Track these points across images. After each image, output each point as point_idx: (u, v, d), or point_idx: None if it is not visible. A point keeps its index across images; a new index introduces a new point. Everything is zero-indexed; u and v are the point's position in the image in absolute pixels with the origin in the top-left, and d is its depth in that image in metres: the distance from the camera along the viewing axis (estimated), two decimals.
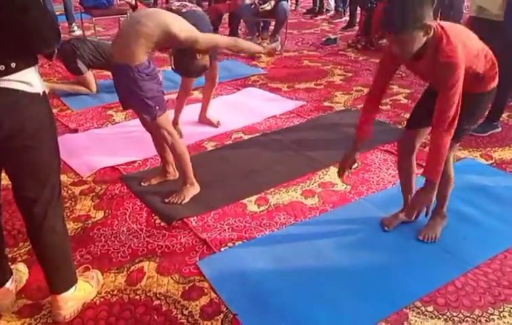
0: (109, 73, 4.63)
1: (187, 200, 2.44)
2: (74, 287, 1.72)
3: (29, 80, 1.43)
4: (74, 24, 6.26)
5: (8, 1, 1.33)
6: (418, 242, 2.14)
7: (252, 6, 5.26)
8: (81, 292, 1.76)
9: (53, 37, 1.46)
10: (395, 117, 3.55)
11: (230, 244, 2.12)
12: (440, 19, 4.41)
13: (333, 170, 2.77)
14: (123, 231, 2.22)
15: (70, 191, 2.58)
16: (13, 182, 1.57)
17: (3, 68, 1.37)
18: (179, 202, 2.42)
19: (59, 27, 1.58)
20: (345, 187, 2.60)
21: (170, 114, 3.29)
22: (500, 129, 3.28)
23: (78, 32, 6.13)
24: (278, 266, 1.99)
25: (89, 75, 4.03)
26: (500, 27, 2.99)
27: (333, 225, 2.28)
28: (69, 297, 1.70)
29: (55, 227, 1.62)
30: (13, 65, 1.39)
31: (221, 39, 2.69)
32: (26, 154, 1.49)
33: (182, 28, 2.25)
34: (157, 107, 2.29)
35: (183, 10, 2.75)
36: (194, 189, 2.50)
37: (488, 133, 3.19)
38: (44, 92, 1.50)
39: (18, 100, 1.41)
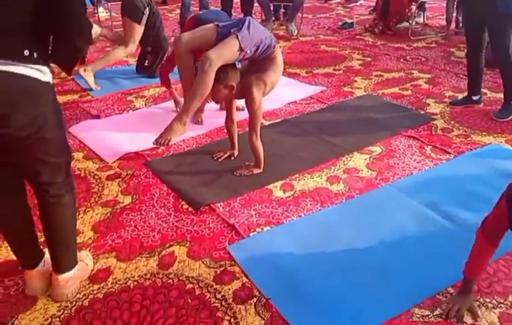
0: (127, 59, 4.65)
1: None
2: (76, 267, 1.76)
3: (42, 68, 1.44)
4: (100, 7, 6.23)
5: None
6: (447, 229, 2.13)
7: None
8: (79, 271, 1.79)
9: (88, 33, 1.48)
10: (417, 103, 3.52)
11: (258, 230, 2.13)
12: None
13: (357, 156, 2.76)
14: (152, 216, 2.24)
15: (96, 177, 2.60)
16: (27, 169, 1.57)
17: (27, 53, 1.37)
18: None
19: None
20: (371, 173, 2.58)
21: None
22: None
23: (105, 14, 6.11)
24: (307, 252, 1.99)
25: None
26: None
27: (360, 211, 2.27)
28: (70, 277, 1.74)
29: (69, 202, 1.66)
30: (35, 54, 1.39)
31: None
32: (41, 141, 1.49)
33: None
34: None
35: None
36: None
37: (510, 117, 3.15)
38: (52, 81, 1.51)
39: (32, 87, 1.42)
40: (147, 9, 3.87)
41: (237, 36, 2.48)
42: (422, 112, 3.35)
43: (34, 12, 1.35)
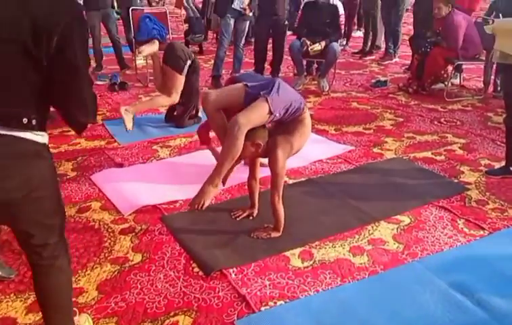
0: (159, 108, 4.70)
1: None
2: None
3: (39, 133, 1.41)
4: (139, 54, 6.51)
5: (60, 59, 1.32)
6: (478, 318, 1.92)
7: (304, 48, 5.21)
8: None
9: (91, 109, 1.46)
10: (451, 169, 3.33)
11: (271, 303, 1.98)
12: None
13: (383, 226, 2.60)
14: (160, 278, 2.14)
15: (110, 230, 2.54)
16: (20, 232, 1.51)
17: (26, 121, 1.35)
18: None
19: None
20: (397, 247, 2.41)
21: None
22: None
23: (142, 61, 6.31)
24: None
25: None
26: None
27: (384, 289, 2.09)
28: None
29: (63, 266, 1.57)
30: (34, 122, 1.37)
31: None
32: (35, 204, 1.43)
33: None
34: None
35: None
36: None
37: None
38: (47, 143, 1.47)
39: (28, 149, 1.38)
40: (188, 61, 3.93)
41: (266, 99, 2.42)
42: (456, 181, 3.16)
43: (35, 86, 1.34)
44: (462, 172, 3.28)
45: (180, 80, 3.94)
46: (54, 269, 1.54)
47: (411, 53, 6.20)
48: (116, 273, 2.17)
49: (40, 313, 1.86)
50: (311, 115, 2.65)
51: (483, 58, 5.21)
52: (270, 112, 2.41)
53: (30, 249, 1.53)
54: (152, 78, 5.64)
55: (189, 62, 3.95)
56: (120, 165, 3.39)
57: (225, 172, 2.51)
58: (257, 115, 2.42)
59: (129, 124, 3.89)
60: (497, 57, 3.04)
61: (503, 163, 3.25)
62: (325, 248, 2.39)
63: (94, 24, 5.44)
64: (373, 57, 7.31)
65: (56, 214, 1.53)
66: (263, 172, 2.86)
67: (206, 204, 2.44)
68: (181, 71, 3.91)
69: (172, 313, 1.91)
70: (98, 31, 5.46)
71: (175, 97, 3.98)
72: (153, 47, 3.96)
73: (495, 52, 3.07)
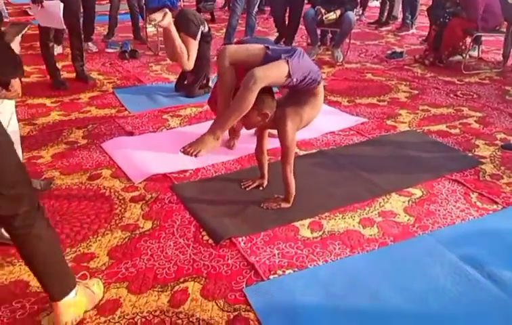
0: (168, 76, 4.67)
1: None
2: (74, 292, 1.66)
3: None
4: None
5: None
6: (489, 291, 1.90)
7: (319, 16, 5.09)
8: (83, 298, 1.71)
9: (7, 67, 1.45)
10: (465, 143, 3.26)
11: (280, 272, 1.98)
12: None
13: (395, 198, 2.57)
14: (170, 245, 2.15)
15: (120, 197, 2.55)
16: None
17: None
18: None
19: (19, 58, 1.55)
20: (408, 219, 2.38)
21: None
22: None
23: (153, 29, 6.23)
24: (331, 304, 1.83)
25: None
26: None
27: (393, 261, 2.08)
28: (69, 303, 1.65)
29: (41, 233, 1.54)
30: None
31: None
32: None
33: None
34: None
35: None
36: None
37: None
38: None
39: None
40: (201, 26, 3.85)
41: (287, 62, 2.35)
42: (470, 154, 3.10)
43: None
44: (477, 146, 3.21)
45: (195, 45, 3.84)
46: (31, 237, 1.52)
47: (429, 24, 6.05)
48: (126, 239, 2.19)
49: None
50: (324, 86, 2.57)
51: (504, 30, 5.06)
52: (289, 75, 2.31)
53: (2, 221, 1.52)
54: (162, 46, 5.61)
55: (202, 28, 3.87)
56: (131, 133, 3.38)
57: (230, 125, 2.42)
58: (275, 73, 2.31)
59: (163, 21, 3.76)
60: None
61: None
62: (335, 219, 2.37)
63: None
64: (389, 27, 7.15)
65: (19, 184, 1.49)
66: (273, 143, 2.83)
67: (202, 153, 2.33)
68: (194, 36, 3.82)
69: (182, 279, 1.93)
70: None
71: (191, 63, 3.88)
72: (167, 19, 3.84)
73: None
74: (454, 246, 2.17)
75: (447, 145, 3.24)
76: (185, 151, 2.36)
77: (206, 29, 3.98)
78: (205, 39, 3.99)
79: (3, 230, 2.07)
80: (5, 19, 7.22)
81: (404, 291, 1.91)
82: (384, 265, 2.05)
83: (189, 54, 3.83)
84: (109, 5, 6.16)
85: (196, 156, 2.34)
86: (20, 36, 2.05)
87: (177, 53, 3.80)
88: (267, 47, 2.43)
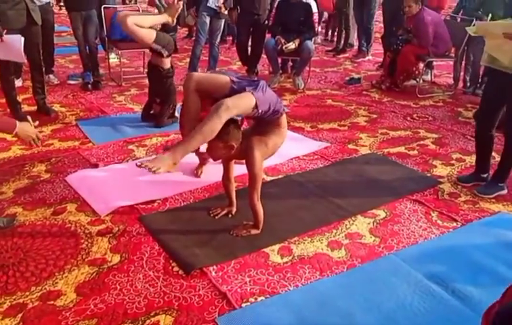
0: (132, 106, 4.65)
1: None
2: None
3: None
4: (112, 52, 6.26)
5: None
6: (453, 307, 1.99)
7: (279, 46, 5.23)
8: None
9: None
10: (424, 164, 3.41)
11: (252, 300, 1.99)
12: None
13: (360, 220, 2.65)
14: (139, 278, 2.12)
15: (86, 231, 2.50)
16: None
17: None
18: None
19: None
20: (374, 240, 2.46)
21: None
22: (505, 191, 2.97)
23: (116, 60, 6.15)
24: None
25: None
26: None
27: (362, 282, 2.14)
28: None
29: None
30: None
31: None
32: None
33: None
34: None
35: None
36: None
37: (494, 195, 2.94)
38: None
39: None
40: (164, 50, 3.87)
41: (253, 94, 2.41)
42: (429, 175, 3.24)
43: None
44: (435, 166, 3.37)
45: (148, 34, 3.78)
46: None
47: (383, 51, 6.33)
48: (94, 274, 2.14)
49: (17, 317, 1.84)
50: (286, 113, 2.65)
51: (453, 55, 5.37)
52: (255, 107, 2.39)
53: None
54: (125, 77, 5.59)
55: (165, 51, 3.87)
56: (96, 165, 3.33)
57: (192, 149, 2.41)
58: (244, 104, 2.37)
59: None
60: (485, 59, 2.99)
61: (473, 157, 3.33)
62: (303, 243, 2.42)
63: (77, 25, 5.24)
64: (346, 55, 7.41)
65: None
66: (240, 170, 2.87)
67: (159, 171, 2.26)
68: (156, 41, 3.81)
69: (152, 313, 1.90)
70: (80, 33, 5.25)
71: (129, 23, 3.70)
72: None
73: (484, 54, 3.05)
74: (419, 264, 2.25)
75: (406, 167, 3.38)
76: (141, 165, 2.28)
77: (168, 66, 3.99)
78: (167, 75, 4.00)
79: None
80: None
81: (374, 311, 1.96)
82: (353, 287, 2.11)
83: (140, 25, 3.74)
84: (67, 37, 6.05)
85: (153, 173, 2.27)
86: None
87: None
88: (232, 80, 2.50)
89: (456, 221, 2.65)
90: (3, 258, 2.24)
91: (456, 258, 2.32)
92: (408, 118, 4.46)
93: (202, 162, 3.21)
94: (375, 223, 2.62)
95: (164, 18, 3.97)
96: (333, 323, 1.90)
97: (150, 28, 3.84)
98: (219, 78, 2.59)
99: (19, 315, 1.87)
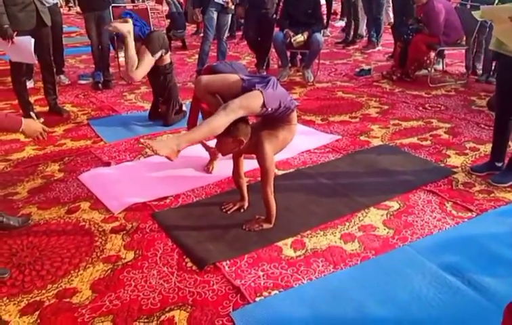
0: (143, 104, 4.67)
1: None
2: None
3: None
4: (121, 51, 6.27)
5: None
6: (469, 297, 1.96)
7: (287, 39, 5.20)
8: None
9: None
10: (437, 154, 3.37)
11: (266, 293, 1.99)
12: None
13: (373, 212, 2.62)
14: (153, 274, 2.13)
15: (100, 229, 2.52)
16: None
17: None
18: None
19: None
20: (388, 232, 2.44)
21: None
22: None
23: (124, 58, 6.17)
24: (318, 321, 1.85)
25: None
26: None
27: (376, 274, 2.12)
28: None
29: None
30: None
31: None
32: None
33: None
34: None
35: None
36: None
37: (509, 183, 2.88)
38: None
39: None
40: (163, 49, 3.86)
41: (262, 92, 2.41)
42: (442, 165, 3.20)
43: None
44: (449, 156, 3.33)
45: (148, 59, 3.76)
46: None
47: (393, 41, 6.27)
48: (109, 271, 2.16)
49: (34, 314, 1.86)
50: (297, 107, 2.63)
51: (464, 43, 5.29)
52: (264, 105, 2.38)
53: None
54: None
55: (162, 52, 3.86)
56: (108, 164, 3.35)
57: (196, 141, 2.42)
58: (252, 104, 2.37)
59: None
60: (493, 43, 2.94)
61: (488, 146, 3.29)
62: (316, 236, 2.41)
63: (90, 26, 5.29)
64: (356, 46, 7.35)
65: None
66: (251, 164, 2.87)
67: (159, 153, 2.25)
68: (152, 52, 3.77)
69: (167, 309, 1.91)
70: (94, 33, 5.30)
71: (138, 74, 3.75)
72: (126, 26, 3.79)
73: (492, 38, 3.00)
74: (434, 255, 2.23)
75: (419, 158, 3.34)
76: (143, 142, 2.31)
77: (167, 61, 3.98)
78: (164, 71, 3.98)
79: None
80: None
81: (388, 303, 1.95)
82: (367, 279, 2.09)
83: (139, 64, 3.73)
84: (77, 37, 6.11)
85: (155, 153, 2.26)
86: None
87: (126, 59, 3.75)
88: (242, 79, 2.49)
89: (471, 210, 2.61)
90: (19, 257, 2.28)
91: (472, 248, 2.29)
92: (420, 108, 4.40)
93: (213, 157, 3.21)
94: (389, 215, 2.60)
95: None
96: (347, 316, 1.88)
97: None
98: (228, 78, 2.60)
99: (36, 313, 1.90)
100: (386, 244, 2.34)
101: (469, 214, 2.59)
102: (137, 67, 3.72)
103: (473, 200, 2.72)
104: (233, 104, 2.31)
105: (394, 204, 2.70)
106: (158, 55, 3.83)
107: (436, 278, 2.08)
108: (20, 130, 2.24)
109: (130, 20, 3.85)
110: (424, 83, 5.15)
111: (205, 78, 2.66)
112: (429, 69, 5.31)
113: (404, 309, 1.92)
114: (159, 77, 3.98)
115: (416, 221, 2.53)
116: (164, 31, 7.73)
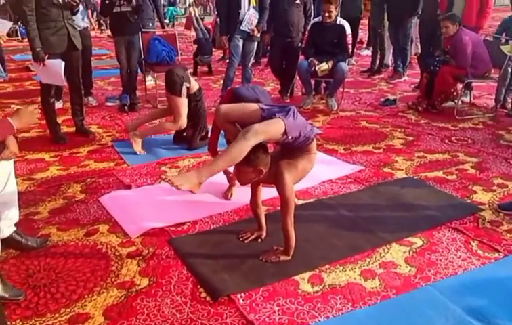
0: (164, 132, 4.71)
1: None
2: None
3: None
4: (149, 75, 6.43)
5: None
6: None
7: (312, 68, 5.20)
8: None
9: None
10: (463, 189, 3.26)
11: None
12: None
13: (395, 248, 2.54)
14: (167, 303, 2.10)
15: (117, 253, 2.51)
16: None
17: None
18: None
19: None
20: (410, 270, 2.35)
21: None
22: None
23: (152, 82, 6.32)
24: None
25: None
26: None
27: (397, 316, 2.03)
28: None
29: None
30: None
31: None
32: None
33: None
34: None
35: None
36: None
37: None
38: None
39: None
40: (185, 83, 3.94)
41: (283, 120, 2.37)
42: (468, 201, 3.09)
43: None
44: (475, 192, 3.21)
45: (180, 102, 3.94)
46: None
47: (420, 72, 6.19)
48: (122, 298, 2.14)
49: None
50: (320, 135, 2.59)
51: (493, 76, 5.17)
52: (284, 133, 2.35)
53: None
54: (161, 99, 5.69)
55: (186, 84, 3.96)
56: (129, 187, 3.38)
57: (218, 171, 2.37)
58: (273, 130, 2.34)
59: (138, 148, 4.02)
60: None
61: None
62: (335, 271, 2.34)
63: (120, 49, 5.44)
64: (382, 75, 7.29)
65: None
66: (270, 193, 2.83)
67: (181, 188, 2.24)
68: (178, 94, 3.92)
69: None
70: (123, 57, 5.45)
71: (182, 122, 3.98)
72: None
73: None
74: (458, 297, 2.13)
75: (445, 192, 3.24)
76: (166, 178, 2.29)
77: (196, 88, 4.08)
78: (195, 99, 4.08)
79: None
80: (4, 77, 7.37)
81: None
82: (387, 320, 2.01)
83: (177, 112, 3.96)
84: (107, 60, 6.27)
85: (177, 188, 2.25)
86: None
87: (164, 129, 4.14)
88: (262, 108, 2.47)
89: (498, 251, 2.50)
90: (35, 279, 2.28)
91: (498, 291, 2.18)
92: (446, 141, 4.30)
93: (232, 183, 3.19)
94: (411, 252, 2.51)
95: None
96: None
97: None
98: (247, 107, 2.58)
99: None
100: (408, 283, 2.25)
101: (496, 254, 2.48)
102: (175, 119, 3.99)
103: (501, 240, 2.60)
104: (253, 129, 2.27)
105: (417, 241, 2.61)
106: (184, 91, 3.95)
107: (460, 322, 1.98)
108: (15, 129, 2.06)
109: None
110: (451, 115, 5.04)
111: (224, 107, 2.65)
112: (456, 101, 5.21)
113: None
114: (190, 104, 4.06)
115: (440, 260, 2.43)
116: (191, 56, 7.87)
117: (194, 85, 4.08)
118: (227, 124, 2.62)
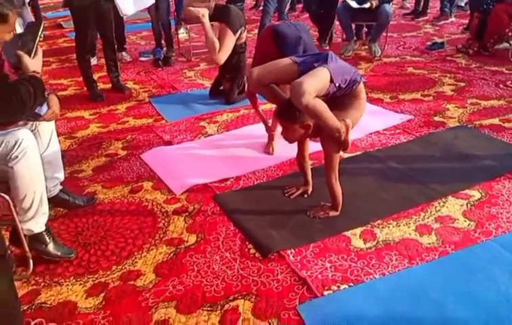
0: (202, 82, 4.62)
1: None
2: None
3: None
4: (181, 28, 6.32)
5: None
6: None
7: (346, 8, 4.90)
8: None
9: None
10: None
11: (334, 287, 1.86)
12: None
13: (451, 201, 2.40)
14: (216, 260, 2.06)
15: (163, 210, 2.49)
16: None
17: None
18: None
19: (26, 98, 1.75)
20: (469, 224, 2.21)
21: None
22: None
23: (185, 35, 6.19)
24: (394, 321, 1.70)
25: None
26: None
27: (457, 272, 1.92)
28: None
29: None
30: None
31: None
32: None
33: None
34: None
35: None
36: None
37: None
38: None
39: None
40: (241, 28, 3.68)
41: (326, 68, 2.18)
42: None
43: None
44: None
45: (231, 39, 3.58)
46: None
47: (469, 12, 5.76)
48: (172, 254, 2.12)
49: (99, 296, 1.86)
50: (364, 84, 2.41)
51: None
52: (331, 80, 2.17)
53: None
54: (195, 51, 5.57)
55: (241, 30, 3.69)
56: (169, 143, 3.33)
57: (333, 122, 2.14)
58: (319, 82, 2.13)
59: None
60: None
61: None
62: (388, 227, 2.23)
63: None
64: (427, 17, 6.86)
65: None
66: (315, 146, 2.70)
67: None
68: (235, 31, 3.58)
69: (231, 297, 1.84)
70: (153, 9, 5.33)
71: (222, 57, 3.58)
72: (200, 10, 3.62)
73: None
74: None
75: (502, 141, 3.02)
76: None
77: (244, 39, 3.81)
78: (239, 50, 3.83)
79: (50, 246, 2.06)
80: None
81: (471, 304, 1.76)
82: (447, 276, 1.90)
83: (222, 46, 3.54)
84: (138, 13, 6.14)
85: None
86: (39, 37, 2.00)
87: (208, 44, 3.57)
88: (296, 62, 2.30)
89: None
90: (84, 237, 2.30)
91: None
92: (501, 86, 4.00)
93: (271, 137, 3.07)
94: (469, 205, 2.36)
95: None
96: (426, 316, 1.72)
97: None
98: (280, 64, 2.37)
99: (102, 295, 1.89)
100: (467, 238, 2.12)
101: None
102: (219, 49, 3.53)
103: None
104: (304, 89, 2.03)
105: (475, 193, 2.45)
106: (238, 33, 3.65)
107: None
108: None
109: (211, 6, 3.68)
110: (505, 58, 4.69)
111: (256, 70, 2.43)
112: (511, 42, 4.82)
113: (490, 311, 1.73)
114: (233, 56, 3.75)
115: (501, 213, 2.27)
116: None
117: (244, 36, 3.84)
118: (261, 88, 2.46)
